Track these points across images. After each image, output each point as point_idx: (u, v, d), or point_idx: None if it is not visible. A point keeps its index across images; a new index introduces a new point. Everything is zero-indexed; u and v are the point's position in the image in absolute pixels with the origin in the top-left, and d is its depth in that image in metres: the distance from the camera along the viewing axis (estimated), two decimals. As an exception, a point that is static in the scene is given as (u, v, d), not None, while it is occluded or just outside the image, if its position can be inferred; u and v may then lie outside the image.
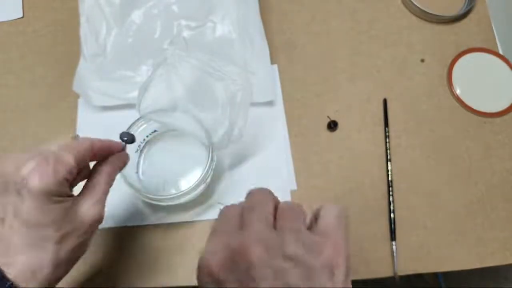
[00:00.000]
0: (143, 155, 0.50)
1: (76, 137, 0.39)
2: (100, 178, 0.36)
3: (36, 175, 0.29)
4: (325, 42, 0.58)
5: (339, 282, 0.25)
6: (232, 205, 0.32)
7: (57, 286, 0.43)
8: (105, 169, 0.36)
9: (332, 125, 0.54)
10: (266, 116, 0.54)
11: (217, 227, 0.31)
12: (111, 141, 0.37)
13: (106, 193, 0.36)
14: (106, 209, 0.49)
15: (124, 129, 0.44)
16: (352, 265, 0.49)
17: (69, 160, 0.32)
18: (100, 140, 0.36)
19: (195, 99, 0.44)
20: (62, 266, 0.33)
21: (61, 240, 0.31)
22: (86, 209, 0.33)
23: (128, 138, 0.39)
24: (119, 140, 0.39)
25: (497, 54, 0.59)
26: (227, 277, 0.25)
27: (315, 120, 0.54)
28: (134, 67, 0.53)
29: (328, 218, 0.30)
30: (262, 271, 0.24)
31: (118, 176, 0.43)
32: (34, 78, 0.55)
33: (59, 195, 0.31)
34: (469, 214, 0.51)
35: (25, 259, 0.30)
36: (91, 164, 0.37)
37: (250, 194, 0.31)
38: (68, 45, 0.57)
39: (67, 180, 0.31)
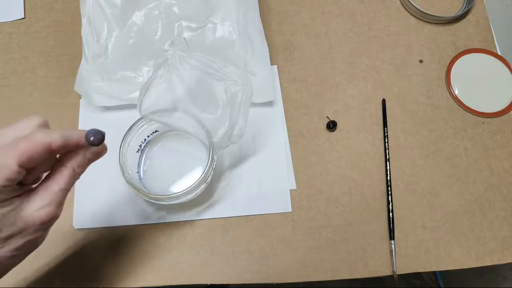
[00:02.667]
0: (144, 155, 0.50)
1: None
2: (60, 173, 0.32)
3: None
4: (324, 43, 0.59)
5: None
6: None
7: (55, 287, 0.44)
8: (69, 162, 0.32)
9: (331, 125, 0.54)
10: (266, 116, 0.54)
11: None
12: (79, 136, 0.31)
13: (65, 189, 0.32)
14: (106, 209, 0.50)
15: (125, 130, 0.45)
16: (351, 264, 0.50)
17: (10, 164, 0.28)
18: (63, 137, 0.30)
19: (196, 99, 0.45)
20: (5, 263, 0.31)
21: (2, 241, 0.30)
22: (34, 211, 0.30)
23: (95, 137, 0.31)
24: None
25: (495, 54, 0.59)
26: None
27: (314, 120, 0.55)
28: (135, 67, 0.53)
29: None
30: None
31: (119, 176, 0.43)
32: (36, 78, 0.56)
33: None
34: (468, 213, 0.52)
35: None
36: None
37: None
38: (69, 46, 0.57)
39: (6, 186, 0.28)
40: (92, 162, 0.34)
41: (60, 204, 0.32)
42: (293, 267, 0.49)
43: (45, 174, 0.33)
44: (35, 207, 0.30)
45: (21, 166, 0.28)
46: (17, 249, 0.31)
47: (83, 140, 0.31)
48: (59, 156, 0.33)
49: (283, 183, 0.51)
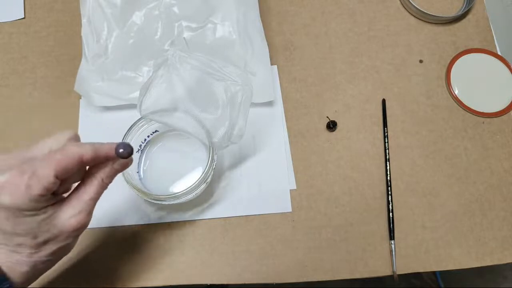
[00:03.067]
0: (144, 155, 0.50)
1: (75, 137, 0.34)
2: (90, 184, 0.34)
3: (7, 190, 0.29)
4: (324, 43, 0.59)
5: None
6: None
7: (56, 287, 0.44)
8: (98, 173, 0.34)
9: (331, 125, 0.54)
10: (266, 116, 0.54)
11: None
12: (108, 149, 0.33)
13: (94, 198, 0.34)
14: (106, 209, 0.50)
15: (125, 130, 0.45)
16: (351, 264, 0.50)
17: (47, 175, 0.29)
18: (94, 150, 0.32)
19: (196, 99, 0.45)
20: (39, 266, 0.33)
21: (37, 247, 0.32)
22: (67, 219, 0.32)
23: (125, 150, 0.34)
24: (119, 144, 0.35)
25: (495, 54, 0.59)
26: None
27: (314, 120, 0.55)
28: (135, 67, 0.53)
29: None
30: None
31: (120, 176, 0.43)
32: (36, 78, 0.56)
33: (33, 210, 0.30)
34: (468, 213, 0.52)
35: (3, 257, 0.31)
36: None
37: None
38: (69, 46, 0.57)
39: (43, 195, 0.30)
40: (119, 173, 0.36)
41: (90, 212, 0.34)
42: (293, 267, 0.49)
43: (74, 185, 0.35)
44: (68, 215, 0.32)
45: (56, 176, 0.30)
46: (51, 254, 0.33)
47: (112, 153, 0.33)
48: (89, 167, 0.35)
49: (283, 183, 0.51)
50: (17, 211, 0.29)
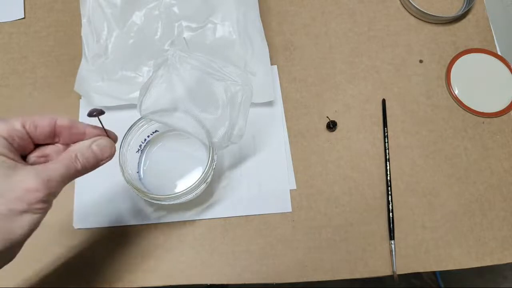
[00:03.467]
0: (144, 155, 0.50)
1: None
2: (60, 157, 0.32)
3: None
4: (324, 43, 0.59)
5: None
6: None
7: (56, 287, 0.44)
8: (72, 148, 0.33)
9: (331, 125, 0.54)
10: (266, 116, 0.54)
11: None
12: (87, 125, 0.34)
13: (60, 172, 0.30)
14: (106, 209, 0.50)
15: (125, 130, 0.45)
16: (351, 264, 0.50)
17: (14, 122, 0.31)
18: (71, 120, 0.33)
19: (196, 99, 0.45)
20: None
21: None
22: (22, 176, 0.29)
23: (96, 111, 0.33)
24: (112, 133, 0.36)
25: (495, 54, 0.59)
26: None
27: (314, 120, 0.55)
28: (135, 67, 0.53)
29: None
30: None
31: (120, 176, 0.43)
32: (36, 78, 0.56)
33: None
34: (468, 213, 0.52)
35: None
36: None
37: None
38: (69, 46, 0.57)
39: (5, 139, 0.30)
40: (98, 160, 0.34)
41: (49, 181, 0.30)
42: (293, 267, 0.49)
43: None
44: (25, 174, 0.29)
45: (24, 126, 0.31)
46: None
47: (90, 128, 0.34)
48: (69, 148, 0.33)
49: (283, 183, 0.51)
50: None
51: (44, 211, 0.30)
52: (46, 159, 0.34)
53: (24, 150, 0.33)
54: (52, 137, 0.34)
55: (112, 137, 0.36)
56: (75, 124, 0.33)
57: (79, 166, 0.32)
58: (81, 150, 0.33)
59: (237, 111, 0.45)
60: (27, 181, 0.29)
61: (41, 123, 0.32)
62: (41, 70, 0.56)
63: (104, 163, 0.35)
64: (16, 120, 0.31)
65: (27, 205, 0.29)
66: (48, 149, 0.34)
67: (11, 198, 0.28)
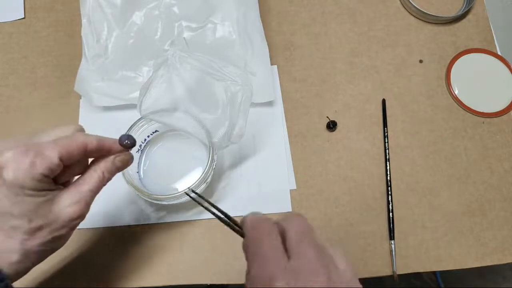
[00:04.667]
0: (144, 155, 0.50)
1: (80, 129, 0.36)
2: (90, 176, 0.34)
3: (11, 166, 0.29)
4: (324, 42, 0.59)
5: None
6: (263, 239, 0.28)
7: (56, 287, 0.44)
8: (99, 166, 0.35)
9: (331, 125, 0.54)
10: (266, 116, 0.54)
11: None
12: (112, 142, 0.36)
13: (94, 191, 0.34)
14: (106, 209, 0.50)
15: (125, 130, 0.45)
16: (351, 263, 0.50)
17: (51, 156, 0.30)
18: (99, 140, 0.34)
19: (196, 99, 0.45)
20: (31, 256, 0.32)
21: (31, 232, 0.31)
22: (65, 206, 0.32)
23: (129, 141, 0.36)
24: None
25: (495, 54, 0.59)
26: None
27: (314, 120, 0.55)
28: (135, 67, 0.53)
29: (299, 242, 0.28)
30: None
31: (120, 176, 0.43)
32: (36, 78, 0.56)
33: (34, 190, 0.30)
34: (468, 213, 0.52)
35: None
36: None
37: (251, 222, 0.29)
38: (69, 46, 0.57)
39: (46, 176, 0.30)
40: (119, 171, 0.37)
41: (87, 204, 0.34)
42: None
43: (75, 178, 0.36)
44: (66, 203, 0.32)
45: (61, 159, 0.31)
46: (44, 243, 0.32)
47: (115, 146, 0.36)
48: (91, 162, 0.36)
49: (283, 183, 0.51)
50: (18, 189, 0.29)
51: None
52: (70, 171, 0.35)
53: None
54: (81, 158, 0.35)
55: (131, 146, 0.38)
56: (102, 144, 0.35)
57: (105, 181, 0.36)
58: (107, 167, 0.35)
59: (237, 111, 0.45)
60: (70, 210, 0.32)
61: (75, 153, 0.32)
62: (41, 70, 0.56)
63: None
64: (53, 151, 0.31)
65: (69, 230, 0.34)
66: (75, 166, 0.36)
67: (57, 227, 0.32)
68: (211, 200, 0.50)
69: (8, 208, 0.30)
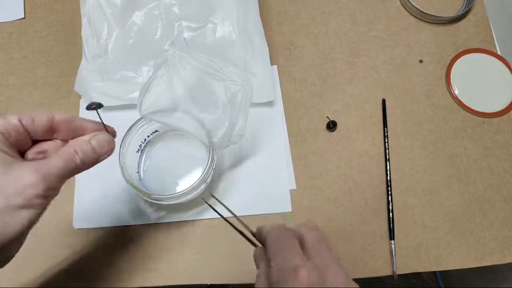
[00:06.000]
0: (144, 155, 0.50)
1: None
2: (62, 151, 0.31)
3: None
4: (324, 42, 0.59)
5: None
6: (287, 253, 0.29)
7: (56, 287, 0.43)
8: (72, 143, 0.32)
9: (331, 125, 0.54)
10: (266, 117, 0.54)
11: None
12: (85, 120, 0.33)
13: (61, 167, 0.30)
14: (106, 209, 0.50)
15: (125, 130, 0.45)
16: (351, 264, 0.50)
17: (10, 117, 0.30)
18: (68, 115, 0.33)
19: (196, 99, 0.45)
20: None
21: None
22: (22, 173, 0.28)
23: (95, 104, 0.34)
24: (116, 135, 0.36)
25: (495, 54, 0.59)
26: None
27: (314, 120, 0.55)
28: (135, 67, 0.53)
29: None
30: None
31: (120, 176, 0.43)
32: (36, 78, 0.56)
33: None
34: (468, 213, 0.52)
35: None
36: None
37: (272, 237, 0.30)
38: (69, 46, 0.57)
39: (4, 136, 0.30)
40: (97, 156, 0.33)
41: (48, 176, 0.29)
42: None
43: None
44: (25, 170, 0.29)
45: (21, 122, 0.30)
46: None
47: (89, 123, 0.33)
48: (68, 143, 0.33)
49: (283, 183, 0.51)
50: None
51: (42, 207, 0.30)
52: (44, 155, 0.33)
53: (22, 146, 0.32)
54: (50, 133, 0.33)
55: (111, 132, 0.35)
56: (74, 119, 0.33)
57: (78, 161, 0.32)
58: (80, 145, 0.32)
59: (237, 111, 0.45)
60: (25, 176, 0.28)
61: (38, 117, 0.32)
62: (41, 70, 0.56)
63: (104, 158, 0.34)
64: (13, 114, 0.31)
65: (26, 200, 0.28)
66: (46, 145, 0.34)
67: (9, 193, 0.28)
68: (211, 201, 0.50)
69: None
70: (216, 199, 0.39)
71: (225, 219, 0.35)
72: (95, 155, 0.33)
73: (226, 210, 0.37)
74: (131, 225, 0.49)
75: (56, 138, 0.34)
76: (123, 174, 0.43)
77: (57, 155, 0.31)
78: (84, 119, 0.34)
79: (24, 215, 0.29)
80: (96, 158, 0.33)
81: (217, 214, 0.36)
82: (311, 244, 0.29)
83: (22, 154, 0.33)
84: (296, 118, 0.55)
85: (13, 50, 0.57)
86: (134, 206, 0.50)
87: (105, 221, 0.49)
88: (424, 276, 1.04)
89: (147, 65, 0.53)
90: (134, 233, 0.49)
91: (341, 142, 0.54)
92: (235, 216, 0.35)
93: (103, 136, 0.34)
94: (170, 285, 0.48)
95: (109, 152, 0.34)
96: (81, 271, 0.47)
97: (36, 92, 0.55)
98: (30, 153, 0.33)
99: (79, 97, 0.55)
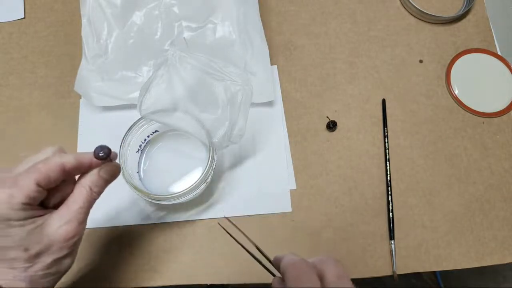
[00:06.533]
0: (144, 155, 0.50)
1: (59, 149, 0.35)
2: (78, 193, 0.34)
3: None
4: (324, 43, 0.59)
5: None
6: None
7: (56, 287, 0.44)
8: (85, 181, 0.35)
9: (331, 125, 0.54)
10: (266, 117, 0.54)
11: None
12: (90, 157, 0.34)
13: (84, 207, 0.34)
14: (106, 209, 0.50)
15: (125, 130, 0.45)
16: (351, 264, 0.50)
17: (27, 184, 0.30)
18: (76, 158, 0.34)
19: (196, 99, 0.45)
20: (39, 282, 0.33)
21: (31, 260, 0.32)
22: (57, 228, 0.32)
23: (103, 152, 0.34)
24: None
25: (495, 54, 0.59)
26: None
27: (314, 120, 0.55)
28: (135, 67, 0.53)
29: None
30: None
31: (120, 176, 0.43)
32: (36, 78, 0.56)
33: (20, 220, 0.30)
34: (468, 213, 0.52)
35: (0, 274, 0.31)
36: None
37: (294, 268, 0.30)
38: (69, 46, 0.57)
39: (26, 204, 0.31)
40: (109, 183, 0.36)
41: (80, 222, 0.34)
42: (293, 267, 0.48)
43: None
44: (57, 225, 0.32)
45: (38, 185, 0.31)
46: (47, 267, 0.33)
47: (94, 161, 0.34)
48: (78, 178, 0.35)
49: (283, 183, 0.51)
50: (4, 222, 0.30)
51: (78, 246, 0.35)
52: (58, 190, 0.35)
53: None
54: (62, 178, 0.34)
55: (114, 156, 0.37)
56: (81, 161, 0.34)
57: (95, 195, 0.35)
58: (93, 182, 0.35)
59: (237, 111, 0.45)
60: (62, 231, 0.32)
61: (53, 176, 0.32)
62: (41, 70, 0.56)
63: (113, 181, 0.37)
64: (28, 179, 0.31)
65: (68, 250, 0.33)
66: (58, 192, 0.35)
67: (54, 250, 0.32)
68: (211, 200, 0.50)
69: (2, 242, 0.31)
70: (234, 224, 0.39)
71: (243, 246, 0.35)
72: (107, 184, 0.36)
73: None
74: (131, 225, 0.49)
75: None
76: (123, 174, 0.43)
77: (76, 198, 0.34)
78: (90, 156, 0.34)
79: (68, 261, 0.34)
80: (108, 185, 0.36)
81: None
82: (332, 280, 0.29)
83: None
84: (296, 118, 0.55)
85: (13, 50, 0.57)
86: (134, 206, 0.50)
87: (105, 221, 0.49)
88: (424, 276, 1.04)
89: (147, 65, 0.53)
90: (134, 233, 0.49)
91: (341, 142, 0.54)
92: (254, 244, 0.35)
93: (110, 166, 0.36)
94: (170, 285, 0.48)
95: (118, 174, 0.37)
96: (81, 271, 0.47)
97: (36, 92, 0.55)
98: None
99: (79, 97, 0.55)
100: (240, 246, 0.37)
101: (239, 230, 0.37)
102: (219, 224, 0.41)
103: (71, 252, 0.34)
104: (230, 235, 0.38)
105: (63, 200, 0.35)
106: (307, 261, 0.30)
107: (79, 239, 0.34)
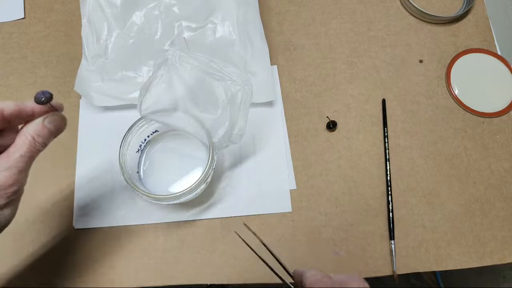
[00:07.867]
0: (144, 155, 0.50)
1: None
2: (20, 141, 0.32)
3: None
4: (324, 43, 0.59)
5: None
6: None
7: (55, 287, 0.43)
8: (27, 130, 0.33)
9: (331, 125, 0.54)
10: (266, 117, 0.54)
11: None
12: (33, 104, 0.33)
13: (25, 156, 0.32)
14: (106, 209, 0.50)
15: (125, 130, 0.45)
16: (351, 264, 0.50)
17: None
18: (17, 104, 0.32)
19: (196, 99, 0.45)
20: None
21: None
22: None
23: (44, 96, 0.32)
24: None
25: (495, 54, 0.59)
26: None
27: (314, 120, 0.55)
28: (135, 67, 0.53)
29: None
30: None
31: (120, 176, 0.43)
32: (36, 78, 0.56)
33: None
34: (468, 213, 0.52)
35: None
36: None
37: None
38: (69, 46, 0.57)
39: None
40: (54, 135, 0.34)
41: (20, 170, 0.32)
42: (293, 267, 0.48)
43: None
44: None
45: None
46: None
47: (37, 107, 0.33)
48: (22, 128, 0.33)
49: (283, 183, 0.51)
50: None
51: (19, 198, 0.33)
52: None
53: None
54: (1, 126, 0.33)
55: (59, 107, 0.35)
56: (22, 107, 0.32)
57: (39, 146, 0.33)
58: (36, 130, 0.33)
59: (237, 111, 0.45)
60: (2, 176, 0.30)
61: None
62: (41, 70, 0.56)
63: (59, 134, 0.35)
64: None
65: (6, 199, 0.31)
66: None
67: None
68: (211, 200, 0.50)
69: None
70: (253, 232, 0.38)
71: (260, 257, 0.35)
72: (51, 135, 0.34)
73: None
74: (131, 225, 0.49)
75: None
76: (123, 174, 0.43)
77: (17, 146, 0.32)
78: (32, 104, 0.33)
79: (7, 212, 0.32)
80: (54, 137, 0.34)
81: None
82: None
83: None
84: (296, 118, 0.55)
85: (13, 50, 0.57)
86: (134, 206, 0.50)
87: (105, 221, 0.49)
88: (424, 276, 1.04)
89: (147, 65, 0.53)
90: (134, 233, 0.49)
91: (341, 142, 0.54)
92: (273, 254, 0.35)
93: (55, 116, 0.34)
94: (170, 285, 0.48)
95: (64, 128, 0.35)
96: (81, 271, 0.47)
97: (36, 92, 0.55)
98: None
99: (79, 97, 0.55)
100: (254, 253, 0.36)
101: (258, 238, 0.37)
102: (236, 232, 0.41)
103: (10, 202, 0.32)
104: (248, 245, 0.37)
105: (3, 151, 0.33)
106: (332, 280, 0.30)
107: (19, 190, 0.32)
